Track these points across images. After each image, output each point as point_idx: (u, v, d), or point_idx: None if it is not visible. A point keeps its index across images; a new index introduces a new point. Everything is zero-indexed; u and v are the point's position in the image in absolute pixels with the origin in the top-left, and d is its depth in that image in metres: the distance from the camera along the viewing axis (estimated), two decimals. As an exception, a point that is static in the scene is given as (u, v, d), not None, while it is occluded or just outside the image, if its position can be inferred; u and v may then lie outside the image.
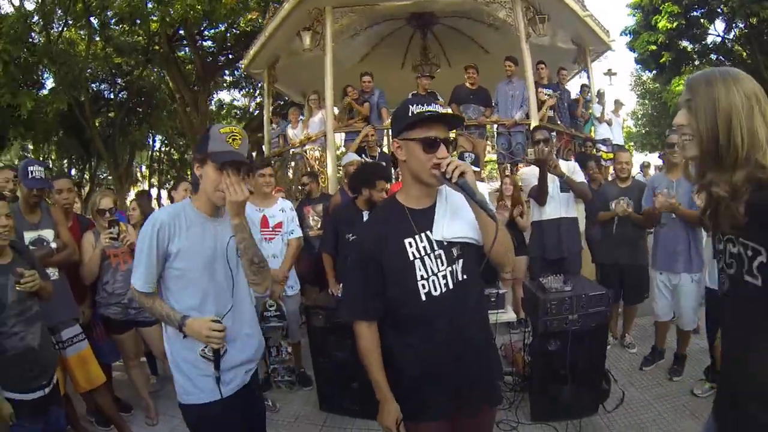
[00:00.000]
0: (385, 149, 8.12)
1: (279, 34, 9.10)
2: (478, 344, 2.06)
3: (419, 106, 1.89)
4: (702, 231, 4.36)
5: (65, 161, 24.99)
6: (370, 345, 2.04)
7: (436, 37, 10.62)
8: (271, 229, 4.49)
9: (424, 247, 1.96)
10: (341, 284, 4.19)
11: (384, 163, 6.49)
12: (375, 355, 2.03)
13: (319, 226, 5.66)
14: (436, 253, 1.96)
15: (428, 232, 1.97)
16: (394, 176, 6.25)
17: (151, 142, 26.66)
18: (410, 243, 1.96)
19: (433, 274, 1.95)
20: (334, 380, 4.00)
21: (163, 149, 28.12)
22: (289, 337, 4.61)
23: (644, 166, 13.25)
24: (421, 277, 1.94)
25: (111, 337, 4.11)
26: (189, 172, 20.18)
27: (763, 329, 1.42)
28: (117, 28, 17.56)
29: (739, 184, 1.38)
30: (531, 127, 7.66)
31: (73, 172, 24.80)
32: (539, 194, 4.80)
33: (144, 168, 30.57)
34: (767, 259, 1.37)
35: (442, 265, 1.95)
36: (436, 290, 1.95)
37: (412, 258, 1.95)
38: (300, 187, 6.55)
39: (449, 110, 1.87)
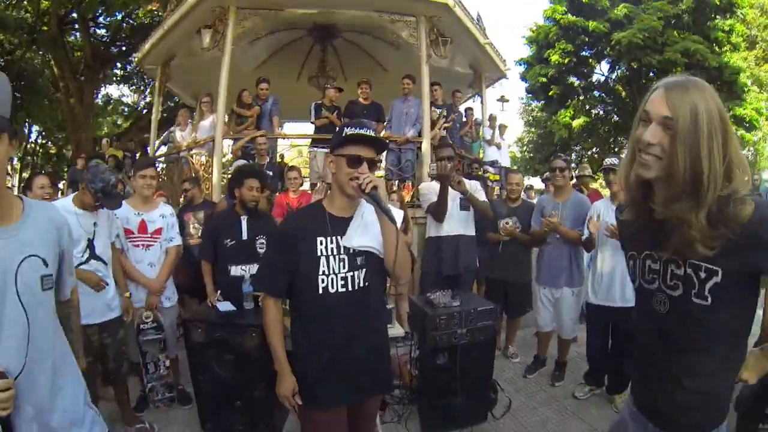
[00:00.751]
0: (278, 158, 7.99)
1: (178, 30, 8.68)
2: (372, 347, 2.30)
3: (353, 128, 2.15)
4: (582, 249, 4.68)
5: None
6: (273, 318, 2.30)
7: (336, 50, 10.66)
8: (149, 235, 4.15)
9: (332, 249, 2.21)
10: (218, 293, 4.15)
11: (270, 173, 6.38)
12: (277, 328, 2.30)
13: (199, 234, 5.39)
14: (341, 256, 2.21)
15: (339, 237, 2.21)
16: (279, 187, 6.20)
17: (27, 133, 24.54)
18: (321, 241, 2.21)
19: (334, 273, 2.20)
20: (217, 398, 3.75)
21: (39, 141, 25.90)
22: (167, 351, 4.31)
23: (527, 189, 13.97)
24: (323, 272, 2.19)
25: None
26: (66, 169, 18.90)
27: (706, 348, 1.46)
28: (3, 1, 16.15)
29: (713, 210, 1.32)
30: (421, 145, 7.86)
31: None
32: (437, 210, 4.86)
33: (15, 160, 28.12)
34: (721, 280, 1.37)
35: (344, 268, 2.21)
36: (332, 288, 2.20)
37: (319, 254, 2.20)
38: (182, 193, 6.24)
39: (378, 135, 2.00)
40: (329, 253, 2.21)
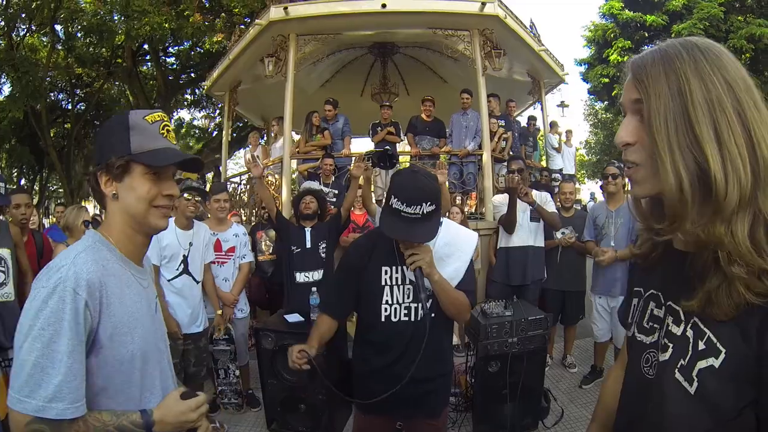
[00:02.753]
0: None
1: (242, 59, 9.22)
2: (430, 376, 2.26)
3: (400, 203, 1.98)
4: None
5: (15, 170, 24.33)
6: (322, 326, 2.33)
7: (396, 66, 10.85)
8: (224, 252, 4.63)
9: (396, 278, 2.21)
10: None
11: (336, 191, 6.71)
12: (322, 329, 2.32)
13: (271, 250, 5.81)
14: (406, 287, 2.21)
15: (405, 267, 2.18)
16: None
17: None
18: (386, 270, 2.22)
19: (397, 303, 2.21)
20: (283, 401, 4.07)
21: (119, 165, 27.40)
22: (238, 360, 4.70)
23: (593, 196, 13.64)
24: (386, 302, 2.21)
25: None
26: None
27: None
28: (82, 39, 17.35)
29: (744, 241, 0.83)
30: (482, 157, 7.97)
31: (23, 181, 24.15)
32: (507, 222, 5.01)
33: (97, 183, 29.86)
34: (719, 365, 0.86)
35: (408, 298, 2.20)
36: (395, 317, 2.21)
37: (383, 284, 2.21)
38: (260, 211, 6.67)
39: (430, 209, 1.94)
40: (393, 282, 2.21)
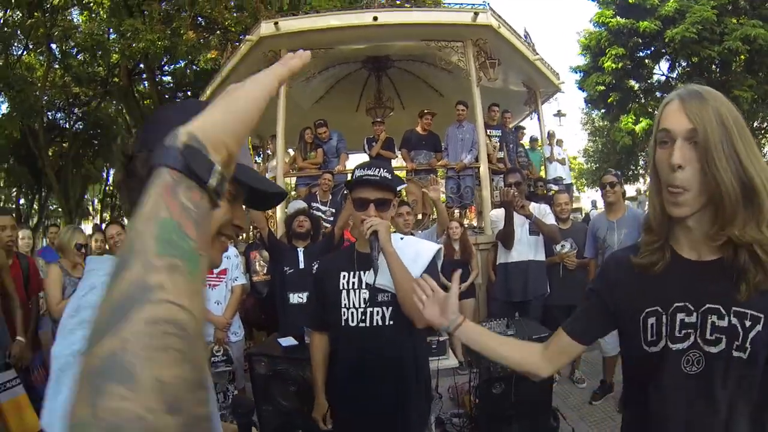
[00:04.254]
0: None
1: (235, 76, 9.11)
2: (392, 390, 2.23)
3: (360, 170, 2.19)
4: None
5: (14, 190, 24.36)
6: (317, 352, 2.47)
7: (391, 79, 10.80)
8: (215, 275, 4.55)
9: (353, 283, 2.27)
10: None
11: (333, 210, 6.64)
12: (319, 359, 2.47)
13: (265, 271, 5.71)
14: (363, 291, 2.25)
15: (362, 273, 2.26)
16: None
17: (105, 176, 26.20)
18: (344, 275, 2.29)
19: (354, 307, 2.25)
20: (279, 427, 3.93)
21: (117, 183, 27.47)
22: (236, 381, 4.64)
23: (595, 204, 13.58)
24: (344, 305, 2.26)
25: None
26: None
27: (743, 411, 1.18)
28: (78, 57, 17.41)
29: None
30: (479, 170, 7.90)
31: (22, 201, 24.16)
32: (505, 237, 4.89)
33: (96, 202, 29.92)
34: (763, 327, 1.13)
35: (364, 303, 2.23)
36: (352, 321, 2.24)
37: (341, 288, 2.28)
38: (254, 231, 6.60)
39: (387, 175, 1.95)
40: (350, 287, 2.26)
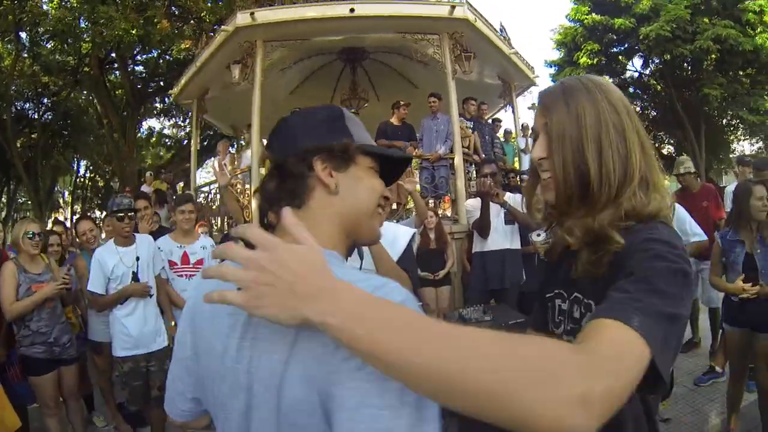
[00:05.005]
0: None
1: (210, 66, 9.08)
2: None
3: None
4: None
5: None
6: None
7: (366, 71, 10.79)
8: (191, 265, 4.50)
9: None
10: None
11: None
12: None
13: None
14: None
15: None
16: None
17: (75, 168, 25.70)
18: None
19: None
20: None
21: (88, 175, 27.07)
22: None
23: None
24: None
25: (28, 381, 3.88)
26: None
27: None
28: (47, 45, 17.00)
29: (603, 228, 1.08)
30: (453, 161, 7.94)
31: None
32: (481, 226, 4.99)
33: (67, 194, 29.34)
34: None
35: None
36: None
37: None
38: (230, 221, 6.55)
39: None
40: None
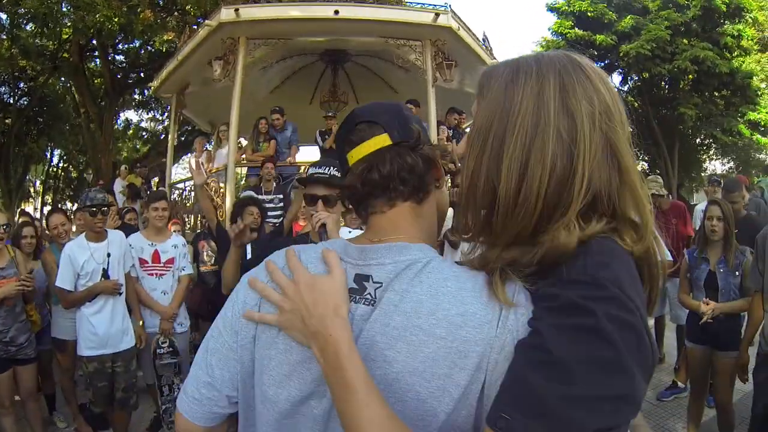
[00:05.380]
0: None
1: (191, 61, 9.02)
2: None
3: (312, 168, 2.37)
4: None
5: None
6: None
7: (347, 74, 10.82)
8: (162, 264, 4.44)
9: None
10: None
11: (281, 196, 6.62)
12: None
13: (212, 261, 5.61)
14: None
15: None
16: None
17: (48, 156, 25.13)
18: None
19: None
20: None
21: (61, 165, 26.54)
22: (182, 374, 4.51)
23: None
24: None
25: None
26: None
27: None
28: (27, 28, 16.64)
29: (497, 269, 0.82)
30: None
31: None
32: (453, 236, 4.97)
33: (38, 183, 28.71)
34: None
35: None
36: None
37: None
38: (203, 220, 6.49)
39: (336, 173, 2.06)
40: None
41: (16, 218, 9.08)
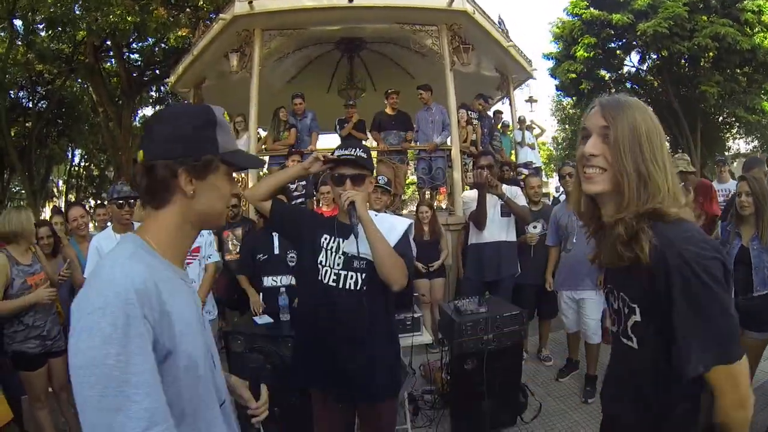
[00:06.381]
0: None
1: (207, 54, 9.03)
2: (361, 354, 2.32)
3: (338, 150, 2.39)
4: None
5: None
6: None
7: (363, 61, 10.77)
8: (188, 253, 4.45)
9: (331, 246, 2.41)
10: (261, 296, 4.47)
11: (304, 182, 6.66)
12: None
13: (237, 250, 5.61)
14: (339, 254, 2.38)
15: (341, 240, 2.39)
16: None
17: (70, 156, 25.51)
18: (325, 237, 2.43)
19: (329, 266, 2.38)
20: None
21: (82, 164, 26.95)
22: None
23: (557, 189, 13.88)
24: (320, 262, 2.40)
25: (19, 375, 3.77)
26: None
27: (634, 397, 1.42)
28: (42, 33, 16.85)
29: (637, 222, 1.28)
30: (451, 152, 7.92)
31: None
32: (478, 218, 4.90)
33: (61, 183, 29.15)
34: (641, 318, 1.34)
35: (338, 265, 2.37)
36: (325, 279, 2.37)
37: (321, 245, 2.43)
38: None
39: (363, 154, 2.07)
40: (328, 247, 2.41)
41: (48, 216, 9.20)
